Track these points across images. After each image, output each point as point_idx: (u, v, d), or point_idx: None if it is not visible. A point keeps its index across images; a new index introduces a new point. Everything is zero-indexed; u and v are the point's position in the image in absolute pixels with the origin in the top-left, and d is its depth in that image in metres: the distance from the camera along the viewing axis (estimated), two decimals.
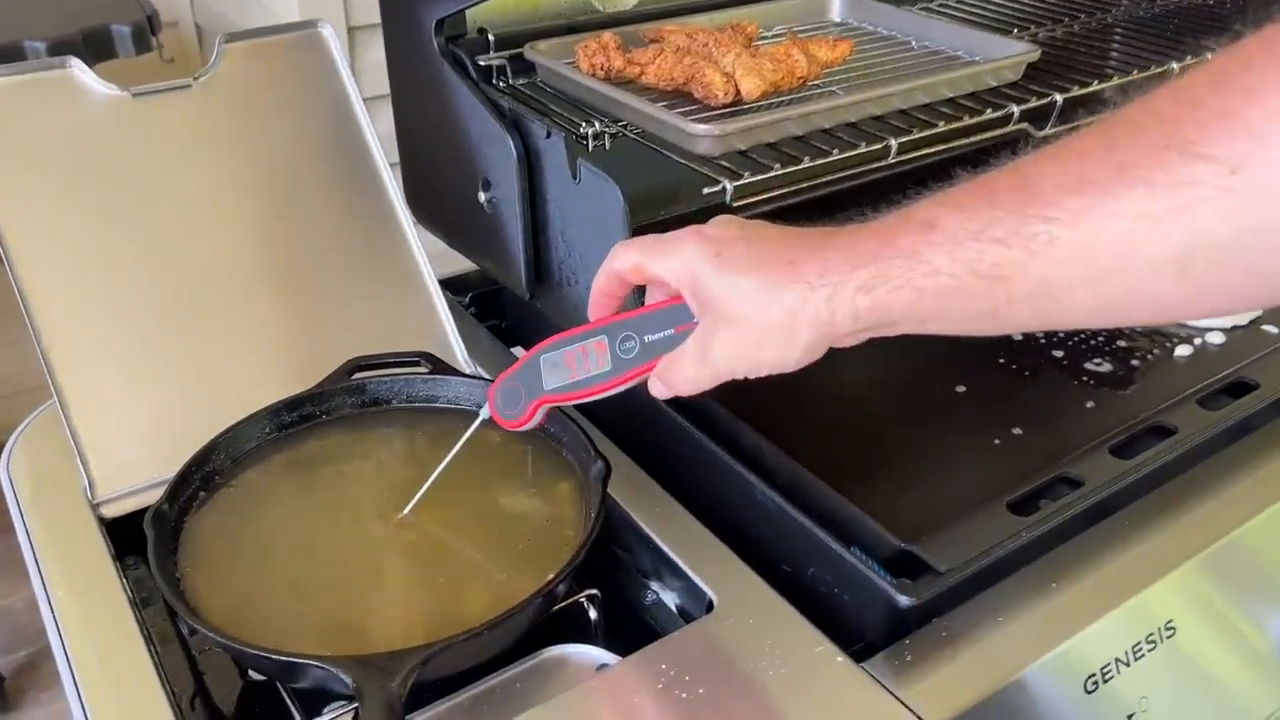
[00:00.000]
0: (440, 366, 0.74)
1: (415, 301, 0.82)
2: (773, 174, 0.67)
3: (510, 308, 0.94)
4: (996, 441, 0.72)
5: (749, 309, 0.50)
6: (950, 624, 0.59)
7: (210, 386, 0.73)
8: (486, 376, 0.80)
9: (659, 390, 0.57)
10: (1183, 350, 0.81)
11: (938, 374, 0.79)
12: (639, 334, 0.57)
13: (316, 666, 0.52)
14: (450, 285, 0.91)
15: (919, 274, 0.47)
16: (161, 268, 0.75)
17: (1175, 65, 0.85)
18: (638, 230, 0.65)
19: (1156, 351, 0.81)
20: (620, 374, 0.57)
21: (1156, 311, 0.46)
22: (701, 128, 0.66)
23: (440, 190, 0.85)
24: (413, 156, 0.89)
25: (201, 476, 0.65)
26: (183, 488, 0.63)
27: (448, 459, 0.63)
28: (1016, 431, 0.73)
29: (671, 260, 0.53)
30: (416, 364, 0.75)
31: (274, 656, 0.52)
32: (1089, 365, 0.80)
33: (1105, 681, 0.59)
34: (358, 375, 0.73)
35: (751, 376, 0.53)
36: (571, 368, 0.59)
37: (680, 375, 0.55)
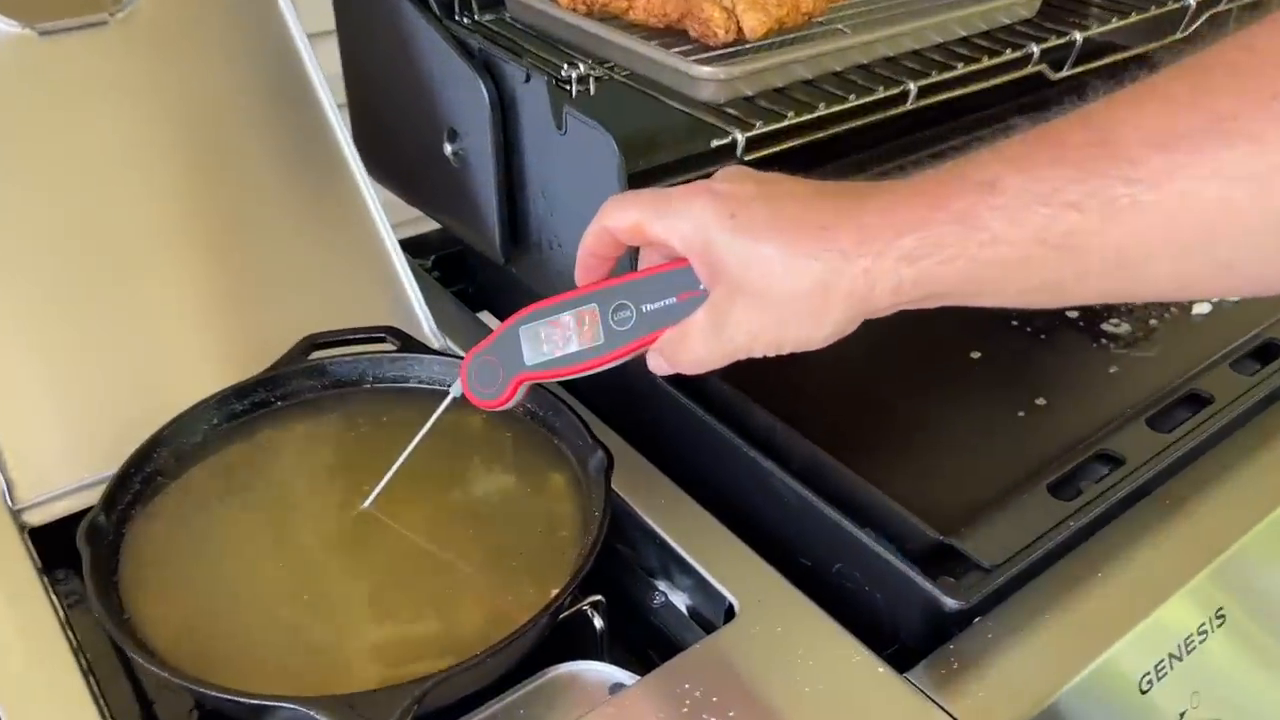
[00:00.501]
0: (409, 343, 0.66)
1: (374, 267, 0.73)
2: (786, 123, 0.60)
3: (480, 271, 0.86)
4: (1021, 414, 0.67)
5: (772, 280, 0.43)
6: (994, 625, 0.54)
7: (144, 373, 0.64)
8: (458, 352, 0.72)
9: (659, 366, 0.50)
10: (1200, 308, 0.76)
11: (949, 338, 0.73)
12: (635, 302, 0.49)
13: (293, 709, 0.44)
14: (409, 246, 0.82)
15: (975, 242, 0.40)
16: (81, 234, 0.65)
17: (1192, 1, 0.79)
18: (631, 182, 0.58)
19: (1174, 310, 0.76)
20: (614, 348, 0.50)
21: (1244, 285, 0.40)
22: (706, 70, 0.59)
23: (397, 141, 0.76)
24: (364, 102, 0.80)
25: (142, 478, 0.57)
26: (121, 492, 0.55)
27: (414, 443, 0.56)
28: (1040, 402, 0.68)
29: (678, 221, 0.46)
30: (381, 339, 0.67)
31: (244, 700, 0.45)
32: (1106, 326, 0.75)
33: (1159, 680, 0.54)
34: (315, 354, 0.65)
35: (769, 355, 0.46)
36: (557, 340, 0.51)
37: (688, 352, 0.47)
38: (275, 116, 0.74)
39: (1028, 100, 0.88)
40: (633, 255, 0.52)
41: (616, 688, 0.51)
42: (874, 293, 0.42)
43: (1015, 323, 0.75)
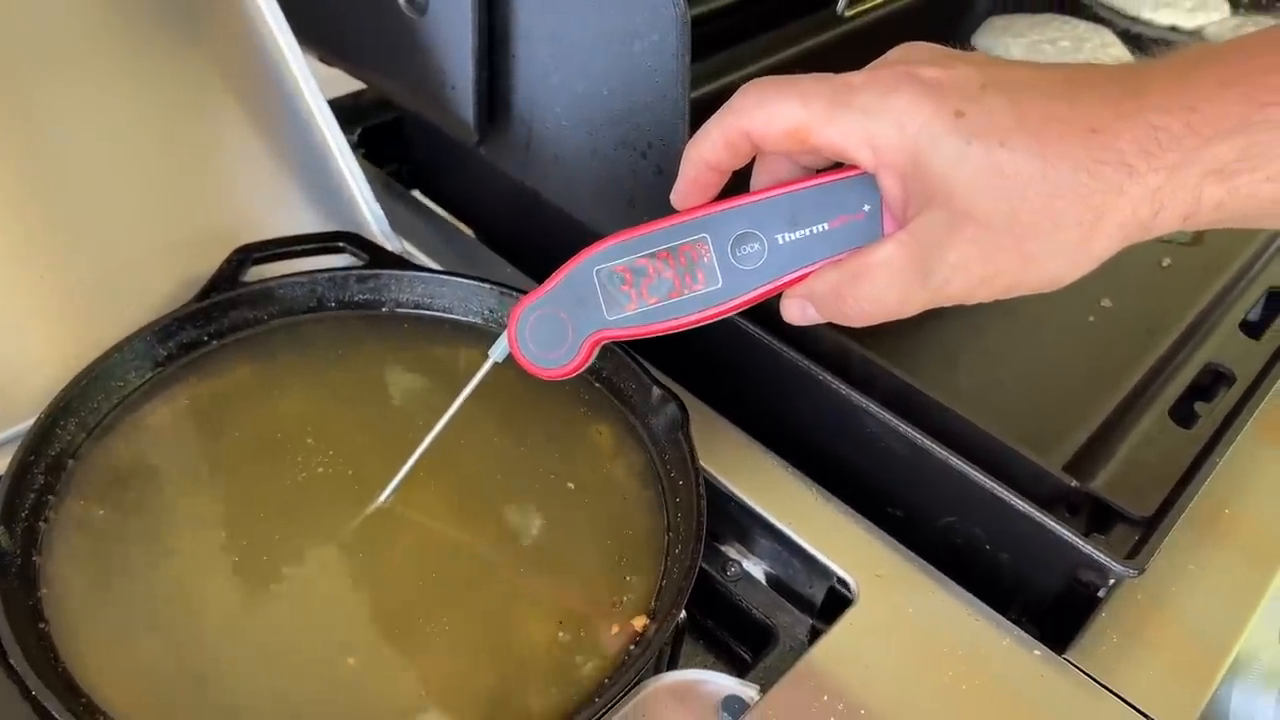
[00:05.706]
0: (378, 254, 0.51)
1: (306, 151, 0.56)
2: None
3: (417, 145, 0.68)
4: (1090, 319, 0.59)
5: (1022, 205, 0.32)
6: (1140, 585, 0.46)
7: (19, 318, 0.46)
8: (420, 257, 0.57)
9: (806, 315, 0.37)
10: None
11: None
12: (766, 231, 0.37)
13: None
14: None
15: None
16: None
17: None
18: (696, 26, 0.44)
19: None
20: (738, 294, 0.38)
21: None
22: None
23: None
24: None
25: (47, 467, 0.40)
26: (19, 495, 0.39)
27: (445, 419, 0.42)
28: (1105, 304, 0.60)
29: (872, 122, 0.33)
30: (337, 249, 0.51)
31: None
32: None
33: None
34: (253, 273, 0.49)
35: (988, 300, 0.35)
36: (651, 285, 0.38)
37: (868, 300, 0.35)
38: None
39: None
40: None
41: (733, 703, 0.41)
42: (1157, 220, 0.32)
43: None
